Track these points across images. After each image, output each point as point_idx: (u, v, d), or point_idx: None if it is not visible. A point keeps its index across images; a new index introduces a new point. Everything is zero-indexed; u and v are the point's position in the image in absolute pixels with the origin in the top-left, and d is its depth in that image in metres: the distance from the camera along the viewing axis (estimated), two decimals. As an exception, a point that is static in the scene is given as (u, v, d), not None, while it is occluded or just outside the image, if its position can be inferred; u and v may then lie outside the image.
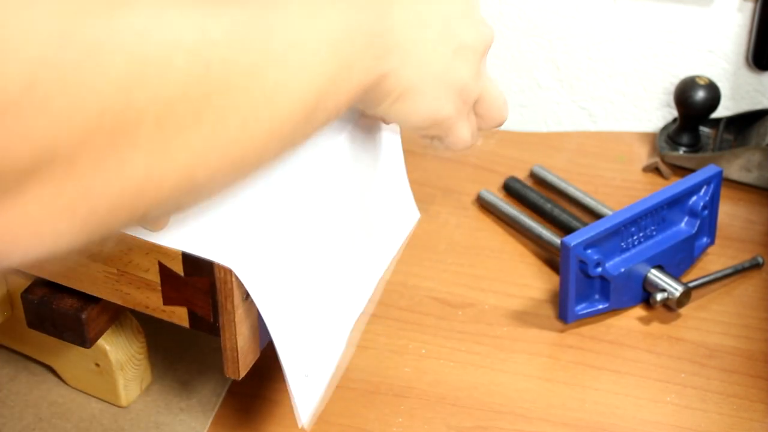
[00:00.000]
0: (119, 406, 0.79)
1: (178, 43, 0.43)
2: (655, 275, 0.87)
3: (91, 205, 0.42)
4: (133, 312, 0.76)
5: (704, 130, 1.06)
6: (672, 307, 0.88)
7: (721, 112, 1.06)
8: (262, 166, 0.51)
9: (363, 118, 0.73)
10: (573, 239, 0.83)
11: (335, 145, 0.70)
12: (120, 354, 0.77)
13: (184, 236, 0.64)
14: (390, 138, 0.78)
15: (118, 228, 0.45)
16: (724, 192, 0.97)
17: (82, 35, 0.39)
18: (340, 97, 0.54)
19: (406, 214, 0.81)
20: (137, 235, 0.65)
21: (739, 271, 0.92)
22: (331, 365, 0.71)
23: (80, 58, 0.39)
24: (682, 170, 1.03)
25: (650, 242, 0.88)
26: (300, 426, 0.69)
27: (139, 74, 0.41)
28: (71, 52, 0.39)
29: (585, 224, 0.89)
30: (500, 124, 0.69)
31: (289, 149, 0.52)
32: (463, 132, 0.67)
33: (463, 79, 0.64)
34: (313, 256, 0.70)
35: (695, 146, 1.04)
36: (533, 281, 0.92)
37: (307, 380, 0.68)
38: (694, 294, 0.88)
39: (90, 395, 0.80)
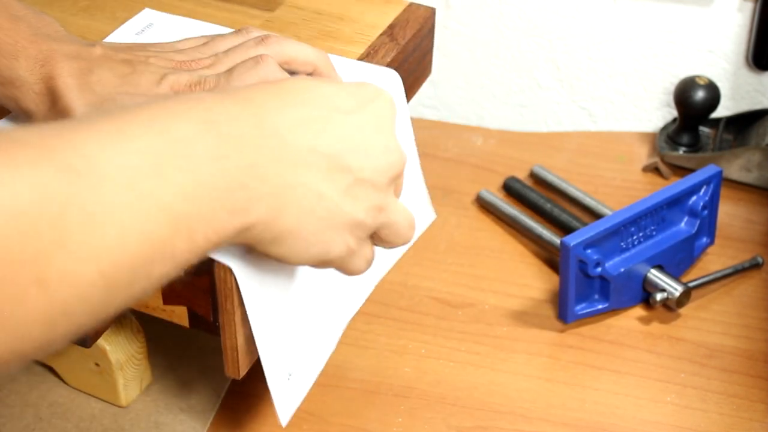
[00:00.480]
0: (119, 406, 0.79)
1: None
2: (655, 275, 0.87)
3: None
4: (133, 312, 0.76)
5: (704, 130, 1.06)
6: (672, 307, 0.88)
7: (721, 112, 1.06)
8: (94, 313, 0.46)
9: None
10: (573, 239, 0.83)
11: None
12: (120, 354, 0.77)
13: None
14: (405, 137, 0.77)
15: None
16: (724, 192, 0.97)
17: None
18: (178, 257, 0.48)
19: (422, 215, 0.81)
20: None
21: (739, 271, 0.92)
22: (318, 366, 0.71)
23: None
24: (682, 170, 1.03)
25: (650, 242, 0.88)
26: (281, 425, 0.69)
27: None
28: None
29: (585, 224, 0.89)
30: (405, 244, 0.61)
31: (122, 296, 0.47)
32: (358, 264, 0.59)
33: (356, 217, 0.56)
34: None
35: (695, 146, 1.04)
36: (533, 281, 0.92)
37: (291, 381, 0.68)
38: (694, 294, 0.88)
39: (90, 395, 0.80)
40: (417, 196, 0.80)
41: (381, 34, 0.79)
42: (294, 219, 0.53)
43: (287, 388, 0.67)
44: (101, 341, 0.76)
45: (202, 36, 0.72)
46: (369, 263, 0.60)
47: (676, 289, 0.87)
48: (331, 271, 0.67)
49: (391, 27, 0.80)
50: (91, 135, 0.46)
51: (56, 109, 0.64)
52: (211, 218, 0.49)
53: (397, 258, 0.79)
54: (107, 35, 0.77)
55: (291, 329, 0.68)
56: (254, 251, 0.57)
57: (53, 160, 0.43)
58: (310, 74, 0.71)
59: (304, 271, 0.69)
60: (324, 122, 0.54)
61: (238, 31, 0.71)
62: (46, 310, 0.43)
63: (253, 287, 0.64)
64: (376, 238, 0.60)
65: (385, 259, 0.77)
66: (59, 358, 0.81)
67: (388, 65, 0.76)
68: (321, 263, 0.58)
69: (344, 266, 0.59)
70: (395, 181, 0.58)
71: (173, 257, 0.48)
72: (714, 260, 0.94)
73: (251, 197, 0.51)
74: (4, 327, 0.42)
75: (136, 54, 0.67)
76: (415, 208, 0.80)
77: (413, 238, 0.61)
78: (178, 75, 0.65)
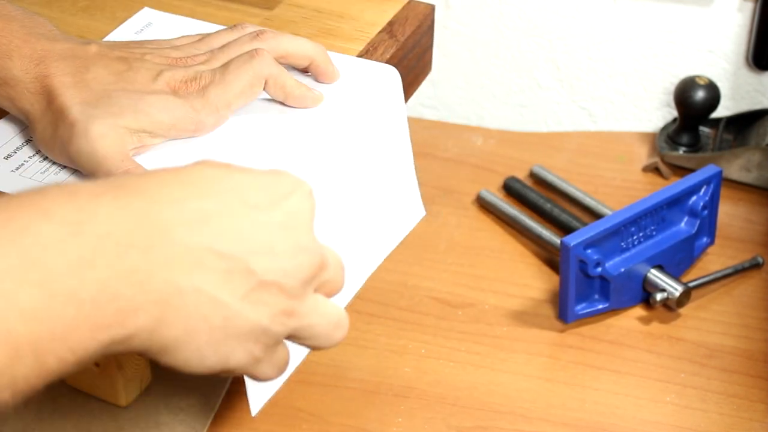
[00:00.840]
0: (119, 406, 0.79)
1: None
2: (655, 275, 0.87)
3: None
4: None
5: (704, 130, 1.06)
6: (672, 307, 0.88)
7: (721, 112, 1.06)
8: None
9: (369, 111, 0.73)
10: (573, 239, 0.83)
11: (341, 137, 0.70)
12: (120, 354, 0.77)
13: None
14: (400, 133, 0.77)
15: None
16: (724, 192, 0.97)
17: None
18: (20, 384, 0.42)
19: (411, 211, 0.81)
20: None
21: (739, 271, 0.92)
22: (298, 359, 0.71)
23: None
24: (682, 170, 1.03)
25: (650, 242, 0.88)
26: (252, 415, 0.69)
27: None
28: None
29: (585, 224, 0.89)
30: (332, 345, 0.55)
31: None
32: (265, 371, 0.52)
33: (259, 324, 0.49)
34: None
35: (695, 146, 1.04)
36: (533, 281, 0.92)
37: None
38: (694, 294, 0.88)
39: (90, 395, 0.80)
40: (407, 192, 0.80)
41: (380, 31, 0.79)
42: (182, 328, 0.47)
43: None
44: (101, 341, 0.76)
45: (198, 33, 0.72)
46: (281, 369, 0.53)
47: (676, 289, 0.87)
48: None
49: (390, 24, 0.80)
50: None
51: (52, 108, 0.64)
52: (66, 338, 0.43)
53: (387, 253, 0.79)
54: (107, 35, 0.77)
55: None
56: None
57: None
58: (306, 68, 0.71)
59: None
60: (226, 218, 0.48)
61: (233, 27, 0.71)
62: None
63: None
64: (294, 339, 0.53)
65: (374, 256, 0.77)
66: (59, 358, 0.81)
67: (388, 62, 0.76)
68: (222, 372, 0.51)
69: (249, 374, 0.52)
70: (313, 282, 0.51)
71: (12, 385, 0.42)
72: (714, 260, 0.94)
73: (125, 308, 0.44)
74: None
75: (131, 51, 0.67)
76: (404, 204, 0.80)
77: (340, 339, 0.54)
78: (173, 71, 0.65)
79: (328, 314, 0.53)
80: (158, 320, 0.46)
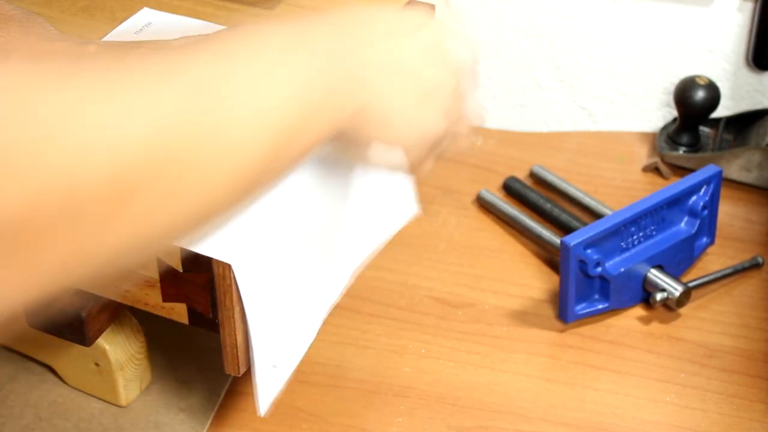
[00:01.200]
0: (119, 406, 0.79)
1: (133, 128, 0.45)
2: (655, 275, 0.87)
3: (42, 270, 0.43)
4: (132, 311, 0.76)
5: (704, 130, 1.06)
6: (672, 307, 0.88)
7: (721, 112, 1.06)
8: (230, 209, 0.53)
9: None
10: (573, 239, 0.83)
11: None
12: (119, 353, 0.77)
13: None
14: None
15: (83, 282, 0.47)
16: (724, 192, 0.97)
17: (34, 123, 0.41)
18: (304, 142, 0.55)
19: (403, 208, 0.81)
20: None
21: (738, 271, 0.92)
22: (298, 356, 0.71)
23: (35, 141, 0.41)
24: (682, 170, 1.03)
25: (650, 242, 0.88)
26: (260, 415, 0.69)
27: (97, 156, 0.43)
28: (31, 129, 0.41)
29: (585, 224, 0.89)
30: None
31: (257, 190, 0.54)
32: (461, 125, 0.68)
33: (428, 122, 0.64)
34: (298, 246, 0.70)
35: (695, 146, 1.04)
36: (533, 281, 0.92)
37: (274, 371, 0.68)
38: (693, 294, 0.88)
39: (90, 395, 0.80)
40: (402, 189, 0.80)
41: (381, 33, 0.79)
42: (384, 109, 0.60)
43: (270, 378, 0.67)
44: (101, 341, 0.76)
45: (197, 35, 0.72)
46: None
47: (676, 289, 0.86)
48: (313, 261, 0.67)
49: (390, 26, 0.80)
50: (198, 56, 0.51)
51: None
52: (329, 103, 0.56)
53: (374, 249, 0.79)
54: (106, 35, 0.77)
55: (280, 321, 0.69)
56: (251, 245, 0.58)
57: (180, 78, 0.48)
58: None
59: (296, 262, 0.69)
60: (393, 44, 0.61)
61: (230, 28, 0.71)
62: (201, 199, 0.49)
63: (251, 282, 0.64)
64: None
65: (360, 250, 0.77)
66: (59, 358, 0.81)
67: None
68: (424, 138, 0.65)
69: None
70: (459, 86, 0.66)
71: (299, 142, 0.54)
72: (714, 260, 0.94)
73: (350, 92, 0.57)
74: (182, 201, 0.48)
75: (128, 51, 0.67)
76: (397, 199, 0.80)
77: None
78: None
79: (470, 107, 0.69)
80: (359, 114, 0.58)
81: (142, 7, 0.81)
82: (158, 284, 0.67)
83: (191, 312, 0.67)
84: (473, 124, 0.69)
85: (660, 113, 1.10)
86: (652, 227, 0.88)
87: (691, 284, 0.88)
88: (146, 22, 0.79)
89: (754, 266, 0.92)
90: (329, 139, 0.57)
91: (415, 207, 0.82)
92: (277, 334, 0.68)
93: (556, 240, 0.91)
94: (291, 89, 0.53)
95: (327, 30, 0.58)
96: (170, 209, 0.47)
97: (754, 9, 1.02)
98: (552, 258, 0.93)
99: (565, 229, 0.95)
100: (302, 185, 0.69)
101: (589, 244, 0.84)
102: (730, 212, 0.99)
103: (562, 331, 0.87)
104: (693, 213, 0.90)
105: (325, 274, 0.74)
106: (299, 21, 0.57)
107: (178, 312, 0.68)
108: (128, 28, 0.78)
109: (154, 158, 0.45)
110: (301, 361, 0.81)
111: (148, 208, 0.46)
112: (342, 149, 0.64)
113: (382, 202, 0.78)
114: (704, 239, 0.93)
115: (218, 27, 0.77)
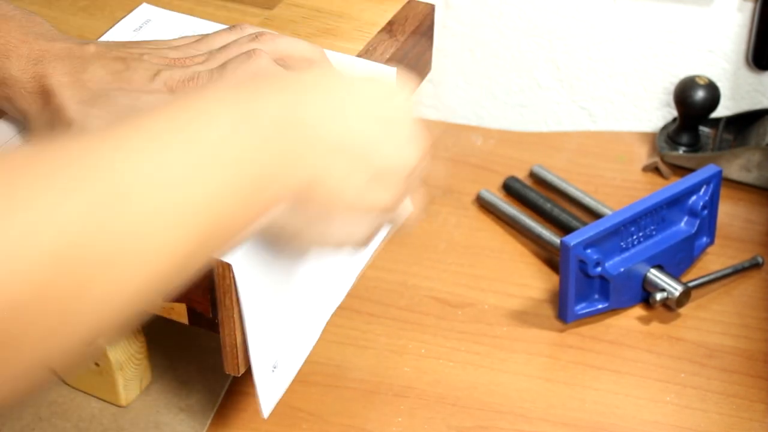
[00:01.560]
0: (119, 406, 0.79)
1: (26, 257, 0.40)
2: (655, 275, 0.87)
3: None
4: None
5: (704, 130, 1.06)
6: (672, 306, 0.88)
7: (721, 112, 1.06)
8: (159, 294, 0.48)
9: None
10: (573, 239, 0.83)
11: None
12: (119, 353, 0.77)
13: None
14: None
15: None
16: (724, 192, 0.97)
17: None
18: (240, 223, 0.51)
19: (401, 207, 0.81)
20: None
21: (738, 271, 0.92)
22: (301, 358, 0.71)
23: None
24: (681, 170, 1.03)
25: (650, 242, 0.88)
26: (263, 417, 0.69)
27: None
28: None
29: (585, 224, 0.89)
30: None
31: (188, 271, 0.49)
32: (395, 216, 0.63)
33: (378, 202, 0.59)
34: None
35: (695, 146, 1.04)
36: (533, 281, 0.92)
37: (275, 373, 0.68)
38: (693, 294, 0.88)
39: (90, 395, 0.80)
40: None
41: (380, 31, 0.79)
42: (323, 198, 0.55)
43: (271, 380, 0.67)
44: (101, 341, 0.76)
45: (197, 34, 0.72)
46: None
47: (676, 288, 0.86)
48: (317, 265, 0.67)
49: (390, 24, 0.80)
50: (121, 152, 0.46)
51: (49, 108, 0.64)
52: (233, 222, 0.50)
53: (374, 250, 0.78)
54: (105, 32, 0.77)
55: (280, 322, 0.68)
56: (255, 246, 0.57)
57: (94, 184, 0.44)
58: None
59: (296, 265, 0.69)
60: (351, 118, 0.56)
61: (232, 28, 0.71)
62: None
63: (251, 283, 0.64)
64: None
65: (363, 252, 0.77)
66: (58, 358, 0.80)
67: (387, 62, 0.76)
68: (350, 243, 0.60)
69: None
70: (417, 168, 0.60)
71: (190, 269, 0.49)
72: (714, 260, 0.94)
73: (281, 187, 0.52)
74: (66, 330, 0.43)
75: (129, 51, 0.67)
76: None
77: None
78: (171, 71, 0.65)
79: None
80: (301, 194, 0.54)
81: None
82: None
83: (191, 312, 0.67)
84: (415, 197, 0.65)
85: (660, 113, 1.10)
86: (652, 227, 0.88)
87: (691, 284, 0.88)
88: (145, 19, 0.79)
89: (754, 266, 0.92)
90: (272, 214, 0.53)
91: (410, 206, 0.82)
92: (277, 335, 0.68)
93: (556, 240, 0.91)
94: (229, 175, 0.49)
95: (279, 100, 0.53)
96: (72, 328, 0.43)
97: (754, 9, 1.02)
98: (552, 258, 0.93)
99: (565, 229, 0.95)
100: None
101: (589, 244, 0.84)
102: (730, 212, 0.99)
103: (562, 331, 0.87)
104: (693, 213, 0.90)
105: (327, 276, 0.74)
106: (252, 88, 0.53)
107: (178, 312, 0.68)
108: (127, 26, 0.78)
109: (50, 286, 0.41)
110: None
111: (44, 336, 0.42)
112: (286, 221, 0.57)
113: None
114: (704, 239, 0.93)
115: (218, 26, 0.77)
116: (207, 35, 0.71)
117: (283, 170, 0.52)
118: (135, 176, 0.45)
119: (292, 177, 0.53)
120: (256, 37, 0.69)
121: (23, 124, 0.69)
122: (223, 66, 0.66)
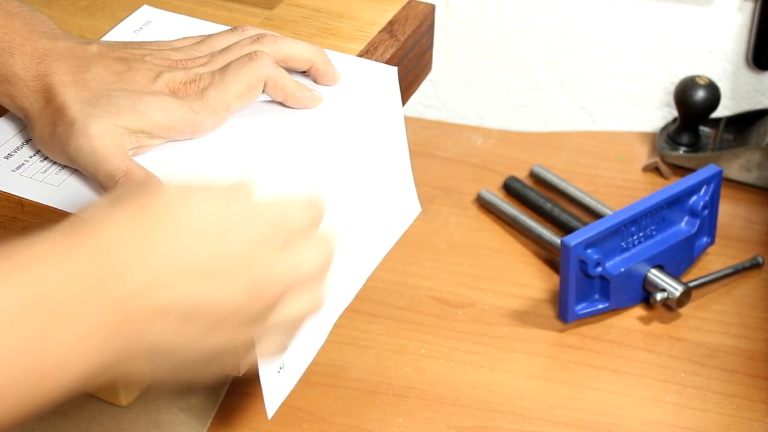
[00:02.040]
0: (119, 406, 0.79)
1: None
2: (655, 275, 0.87)
3: None
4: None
5: (704, 130, 1.06)
6: (672, 306, 0.88)
7: (721, 111, 1.06)
8: None
9: (367, 111, 0.73)
10: (573, 239, 0.83)
11: (340, 138, 0.70)
12: (120, 353, 0.77)
13: None
14: (396, 131, 0.77)
15: None
16: (724, 192, 0.97)
17: None
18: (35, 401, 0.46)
19: (407, 208, 0.81)
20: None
21: (739, 271, 0.92)
22: (307, 359, 0.71)
23: None
24: (682, 170, 1.03)
25: (650, 242, 0.88)
26: (269, 417, 0.69)
27: None
28: None
29: (585, 224, 0.89)
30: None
31: None
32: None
33: (218, 349, 0.52)
34: None
35: (695, 146, 1.04)
36: (533, 281, 0.92)
37: (281, 374, 0.68)
38: (694, 294, 0.88)
39: (90, 395, 0.80)
40: (404, 190, 0.80)
41: (380, 31, 0.79)
42: (147, 369, 0.51)
43: (277, 381, 0.67)
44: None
45: (198, 35, 0.72)
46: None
47: (676, 288, 0.86)
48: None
49: (390, 24, 0.80)
50: None
51: (51, 107, 0.64)
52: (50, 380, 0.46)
53: (386, 251, 0.79)
54: (106, 34, 0.77)
55: None
56: None
57: None
58: (306, 71, 0.71)
59: None
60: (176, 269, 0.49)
61: (234, 29, 0.71)
62: None
63: None
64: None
65: (373, 255, 0.77)
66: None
67: (388, 62, 0.76)
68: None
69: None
70: (274, 306, 0.53)
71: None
72: (714, 260, 0.94)
73: (94, 367, 0.47)
74: None
75: (132, 52, 0.67)
76: (401, 201, 0.80)
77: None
78: (173, 73, 0.65)
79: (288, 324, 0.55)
80: (123, 367, 0.49)
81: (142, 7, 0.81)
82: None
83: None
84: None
85: (660, 113, 1.10)
86: (653, 227, 0.88)
87: (691, 284, 0.88)
88: (146, 20, 0.79)
89: (754, 266, 0.92)
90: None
91: (418, 206, 0.82)
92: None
93: (556, 240, 0.91)
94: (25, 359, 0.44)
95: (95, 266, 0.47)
96: None
97: (754, 9, 1.02)
98: (552, 258, 0.93)
99: (565, 229, 0.95)
100: (312, 181, 0.69)
101: (590, 244, 0.84)
102: (730, 212, 0.99)
103: (562, 331, 0.87)
104: (693, 213, 0.90)
105: (335, 278, 0.74)
106: (68, 248, 0.47)
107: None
108: (128, 27, 0.78)
109: None
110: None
111: None
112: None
113: (387, 205, 0.78)
114: (704, 239, 0.93)
115: (219, 27, 0.77)
116: (208, 36, 0.71)
117: (98, 354, 0.47)
118: None
119: (108, 353, 0.47)
120: (258, 38, 0.69)
121: (23, 123, 0.69)
122: (224, 68, 0.66)
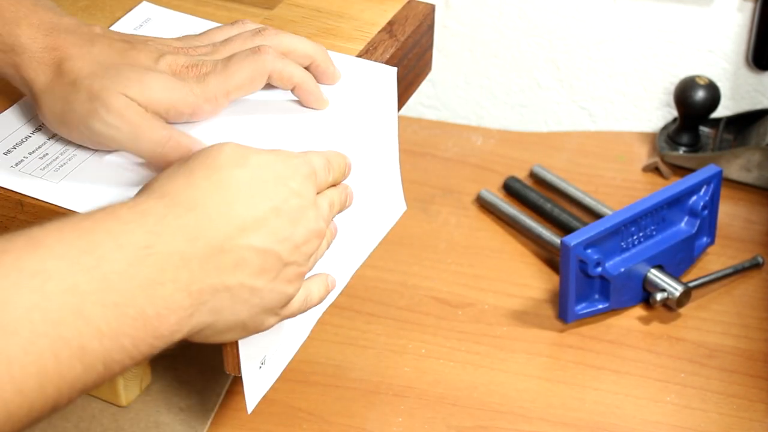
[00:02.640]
0: (119, 406, 0.79)
1: None
2: (655, 275, 0.87)
3: None
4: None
5: (704, 130, 1.06)
6: (672, 306, 0.88)
7: (721, 112, 1.06)
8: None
9: (364, 111, 0.73)
10: (573, 239, 0.83)
11: (336, 136, 0.70)
12: (120, 353, 0.77)
13: None
14: (388, 130, 0.77)
15: None
16: (724, 192, 0.97)
17: None
18: (102, 374, 0.51)
19: (394, 206, 0.81)
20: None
21: (739, 271, 0.92)
22: (289, 355, 0.71)
23: None
24: (682, 170, 1.03)
25: (650, 242, 0.88)
26: (248, 412, 0.69)
27: None
28: None
29: (585, 224, 0.89)
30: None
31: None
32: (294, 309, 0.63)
33: (287, 295, 0.60)
34: None
35: (695, 146, 1.04)
36: (533, 281, 0.92)
37: (262, 369, 0.68)
38: (694, 294, 0.88)
39: (90, 395, 0.80)
40: (391, 188, 0.80)
41: (380, 31, 0.79)
42: (228, 317, 0.57)
43: (258, 375, 0.67)
44: (100, 341, 0.76)
45: (196, 33, 0.72)
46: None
47: (676, 288, 0.86)
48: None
49: (390, 24, 0.80)
50: (10, 276, 0.48)
51: (62, 81, 0.64)
52: (132, 349, 0.51)
53: (372, 248, 0.78)
54: (106, 33, 0.77)
55: None
56: None
57: None
58: (307, 67, 0.71)
59: None
60: (259, 219, 0.57)
61: (233, 23, 0.71)
62: None
63: None
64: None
65: (359, 252, 0.77)
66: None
67: (387, 62, 0.76)
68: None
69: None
70: (318, 252, 0.62)
71: (84, 390, 0.51)
72: (714, 260, 0.94)
73: (183, 316, 0.53)
74: None
75: (133, 36, 0.68)
76: (388, 199, 0.80)
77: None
78: (175, 56, 0.66)
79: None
80: (209, 319, 0.55)
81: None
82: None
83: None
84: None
85: (660, 113, 1.10)
86: (652, 227, 0.88)
87: (691, 284, 0.88)
88: (146, 17, 0.79)
89: (754, 266, 0.92)
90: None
91: (403, 204, 0.82)
92: (267, 331, 0.68)
93: (556, 240, 0.91)
94: (114, 315, 0.50)
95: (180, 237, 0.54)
96: None
97: (754, 9, 1.02)
98: (552, 258, 0.93)
99: (565, 229, 0.95)
100: None
101: (589, 244, 0.84)
102: (730, 212, 0.99)
103: (562, 331, 0.87)
104: (693, 213, 0.90)
105: (319, 276, 0.74)
106: (159, 215, 0.54)
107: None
108: (127, 24, 0.78)
109: None
110: (301, 361, 0.81)
111: None
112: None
113: (376, 202, 0.78)
114: (704, 239, 0.93)
115: (218, 25, 0.77)
116: (208, 30, 0.71)
117: (188, 300, 0.53)
118: (13, 304, 0.47)
119: (199, 304, 0.54)
120: (259, 32, 0.69)
121: (23, 119, 0.69)
122: (228, 58, 0.66)
